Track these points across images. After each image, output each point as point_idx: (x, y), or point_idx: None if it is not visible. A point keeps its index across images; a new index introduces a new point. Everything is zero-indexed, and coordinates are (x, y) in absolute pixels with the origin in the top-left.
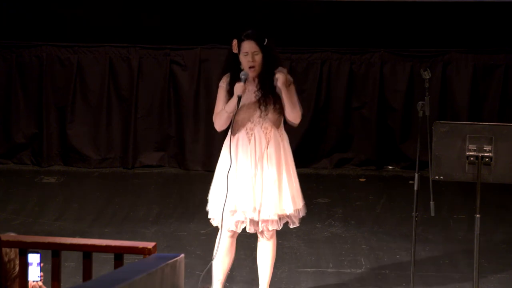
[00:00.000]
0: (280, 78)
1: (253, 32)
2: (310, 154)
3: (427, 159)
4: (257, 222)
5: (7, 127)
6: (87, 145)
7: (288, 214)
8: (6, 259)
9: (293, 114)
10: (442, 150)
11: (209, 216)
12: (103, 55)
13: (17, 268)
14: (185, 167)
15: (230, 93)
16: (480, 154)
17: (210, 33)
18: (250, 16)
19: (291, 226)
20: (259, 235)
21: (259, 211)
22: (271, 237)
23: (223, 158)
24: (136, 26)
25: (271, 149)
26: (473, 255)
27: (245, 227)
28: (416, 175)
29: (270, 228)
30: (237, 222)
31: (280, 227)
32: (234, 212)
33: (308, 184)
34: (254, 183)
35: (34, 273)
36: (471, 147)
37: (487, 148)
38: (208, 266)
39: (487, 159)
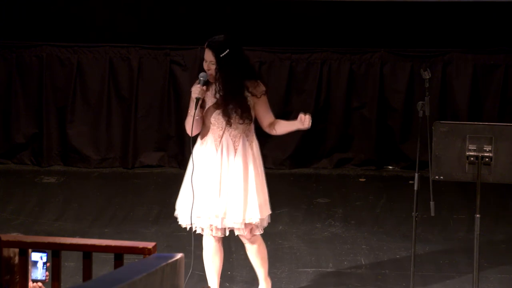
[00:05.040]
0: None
1: (215, 41)
2: (310, 154)
3: (427, 159)
4: (223, 229)
5: (7, 127)
6: (87, 145)
7: (254, 223)
8: (13, 261)
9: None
10: (442, 150)
11: (178, 221)
12: (103, 55)
13: None
14: (185, 167)
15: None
16: (480, 154)
17: (210, 33)
18: (250, 16)
19: (256, 233)
20: (243, 241)
21: (222, 219)
22: (254, 242)
23: (191, 163)
24: (136, 26)
25: (239, 158)
26: (473, 255)
27: (212, 231)
28: (416, 175)
29: (236, 233)
30: (202, 227)
31: (246, 233)
32: (199, 218)
33: (308, 184)
34: (219, 191)
35: (40, 272)
36: (471, 147)
37: (487, 148)
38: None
39: (487, 159)
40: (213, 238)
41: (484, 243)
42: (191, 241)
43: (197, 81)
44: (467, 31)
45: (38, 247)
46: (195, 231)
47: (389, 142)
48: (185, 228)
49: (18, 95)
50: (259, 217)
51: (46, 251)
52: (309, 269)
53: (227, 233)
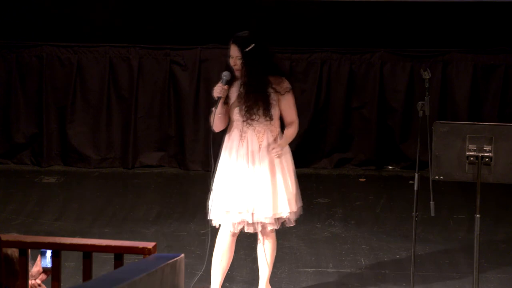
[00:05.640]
0: (275, 153)
1: (240, 36)
2: (310, 154)
3: (427, 159)
4: (253, 223)
5: (7, 127)
6: (87, 145)
7: (284, 217)
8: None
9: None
10: (442, 150)
11: (208, 217)
12: (103, 55)
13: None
14: (185, 167)
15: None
16: (480, 154)
17: (210, 33)
18: (250, 16)
19: (287, 225)
20: (259, 236)
21: (252, 214)
22: (271, 238)
23: (220, 159)
24: (136, 26)
25: (264, 152)
26: (473, 255)
27: (243, 227)
28: (416, 175)
29: (269, 228)
30: (234, 223)
31: (279, 226)
32: (229, 213)
33: (308, 184)
34: (246, 186)
35: (48, 260)
36: (471, 147)
37: (487, 148)
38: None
39: (487, 159)
40: (229, 236)
41: (484, 243)
42: (191, 241)
43: (221, 80)
44: (467, 31)
45: (38, 247)
46: (218, 226)
47: (389, 142)
48: (188, 227)
49: (18, 95)
50: (288, 211)
51: None
52: (309, 269)
53: (259, 228)
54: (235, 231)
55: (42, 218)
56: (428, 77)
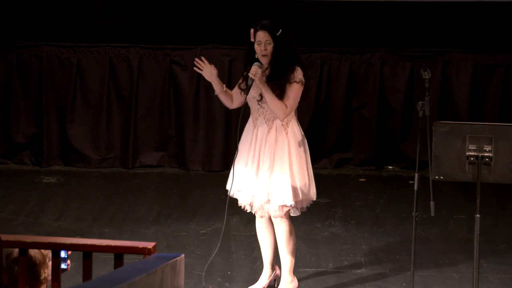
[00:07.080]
0: (255, 72)
1: (267, 22)
2: (310, 154)
3: (427, 159)
4: (258, 208)
5: (7, 127)
6: (87, 145)
7: (287, 205)
8: (38, 268)
9: (274, 110)
10: (442, 150)
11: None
12: (103, 55)
13: (47, 271)
14: (185, 167)
15: (244, 79)
16: (480, 154)
17: (210, 33)
18: (250, 16)
19: (292, 214)
20: (272, 221)
21: (252, 196)
22: (281, 218)
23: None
24: (136, 26)
25: (270, 140)
26: (473, 255)
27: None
28: (416, 175)
29: (272, 213)
30: (243, 204)
31: (281, 214)
32: (239, 194)
33: None
34: (249, 170)
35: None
36: (471, 147)
37: (487, 148)
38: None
39: (487, 159)
40: (259, 220)
41: (484, 243)
42: (191, 241)
43: (253, 66)
44: (467, 31)
45: (38, 247)
46: (241, 207)
47: (389, 142)
48: (188, 227)
49: (18, 95)
50: (291, 199)
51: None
52: (309, 269)
53: (266, 214)
54: (254, 212)
55: (42, 218)
56: (428, 77)
